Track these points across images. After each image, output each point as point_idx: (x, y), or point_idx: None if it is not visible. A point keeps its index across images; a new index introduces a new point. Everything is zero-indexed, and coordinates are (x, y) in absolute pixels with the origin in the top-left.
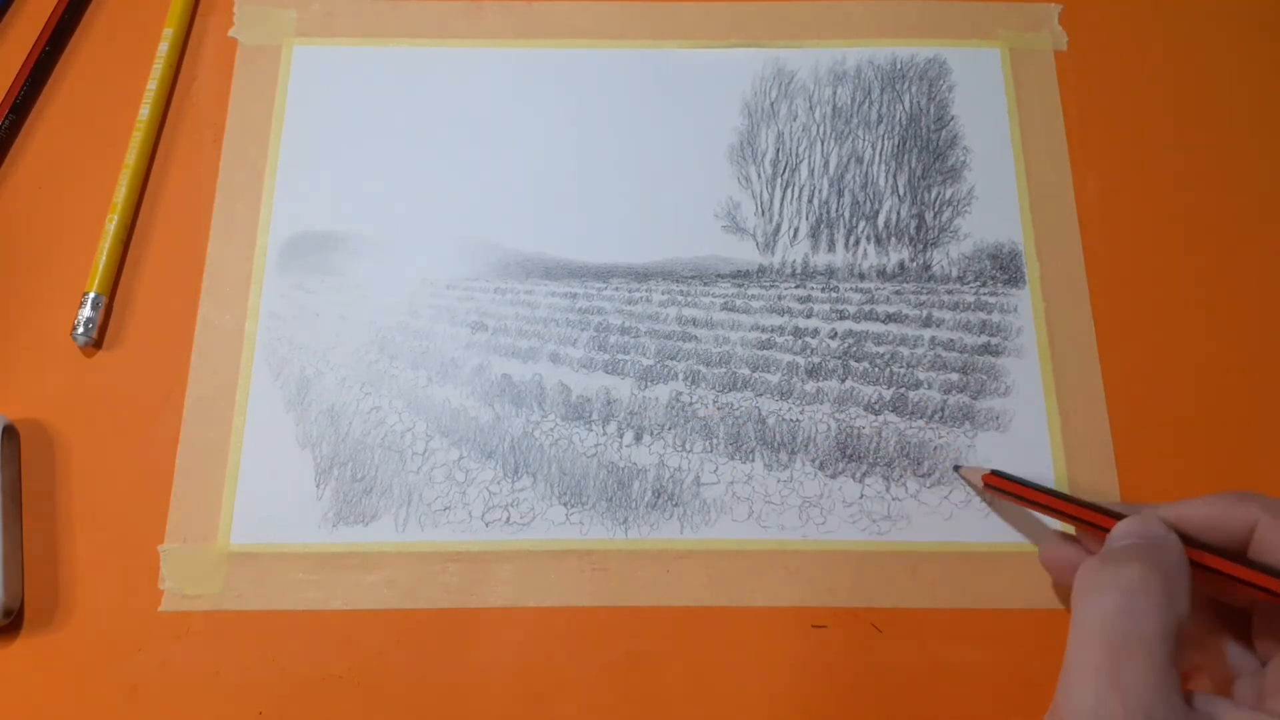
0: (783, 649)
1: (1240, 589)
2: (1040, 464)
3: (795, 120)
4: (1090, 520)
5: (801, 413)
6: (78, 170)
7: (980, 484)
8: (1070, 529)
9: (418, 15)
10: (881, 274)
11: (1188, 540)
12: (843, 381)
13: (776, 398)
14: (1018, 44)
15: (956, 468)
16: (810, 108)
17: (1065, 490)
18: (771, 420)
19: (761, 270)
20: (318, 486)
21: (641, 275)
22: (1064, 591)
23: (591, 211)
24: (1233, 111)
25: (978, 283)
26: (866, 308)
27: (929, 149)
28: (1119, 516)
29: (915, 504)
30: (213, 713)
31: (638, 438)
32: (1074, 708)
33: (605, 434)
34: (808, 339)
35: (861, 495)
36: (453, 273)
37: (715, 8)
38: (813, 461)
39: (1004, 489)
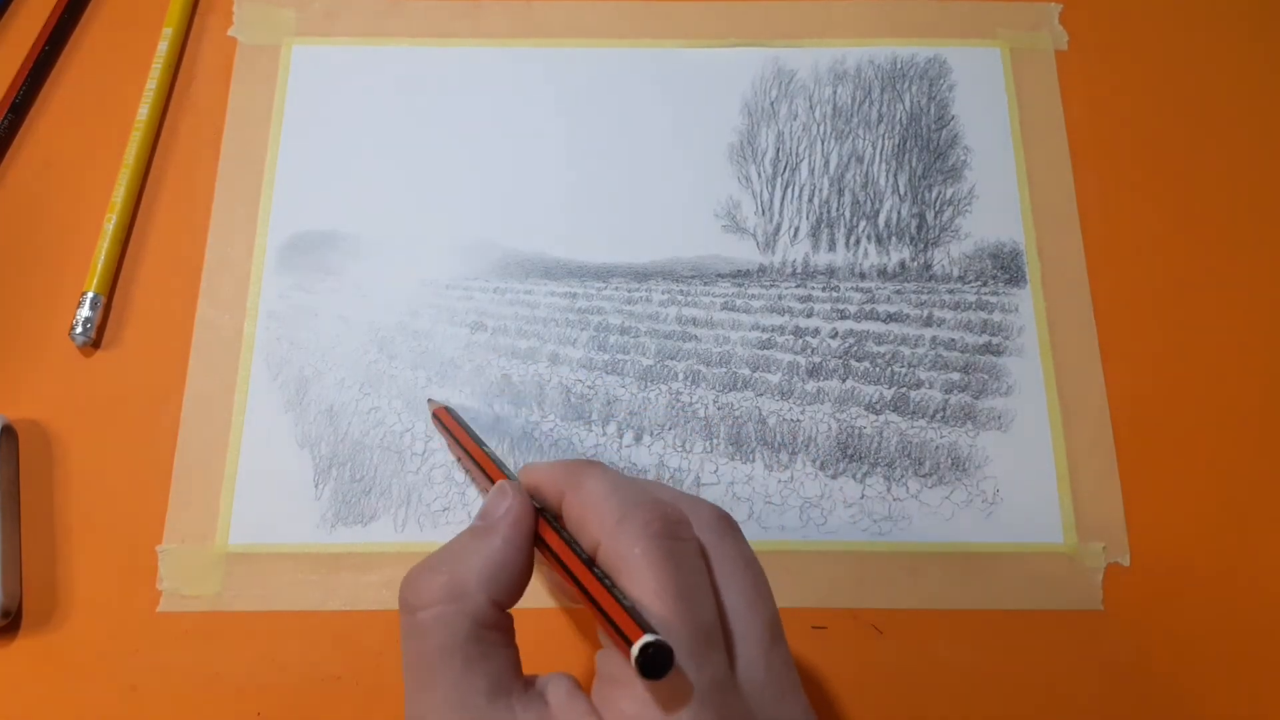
0: None
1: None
2: (1042, 463)
3: (795, 120)
4: (489, 474)
5: (802, 413)
6: (76, 170)
7: (431, 413)
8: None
9: (418, 15)
10: (882, 273)
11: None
12: (843, 381)
13: (777, 398)
14: (1018, 43)
15: (430, 400)
16: (810, 107)
17: (1065, 493)
18: (772, 420)
19: (762, 270)
20: (316, 487)
21: (641, 275)
22: (1063, 593)
23: (591, 211)
24: (1233, 110)
25: (979, 282)
26: (867, 307)
27: (929, 148)
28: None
29: (916, 504)
30: (211, 713)
31: (638, 438)
32: None
33: (605, 434)
34: (808, 339)
35: (862, 496)
36: (452, 272)
37: (715, 7)
38: (813, 462)
39: (447, 426)
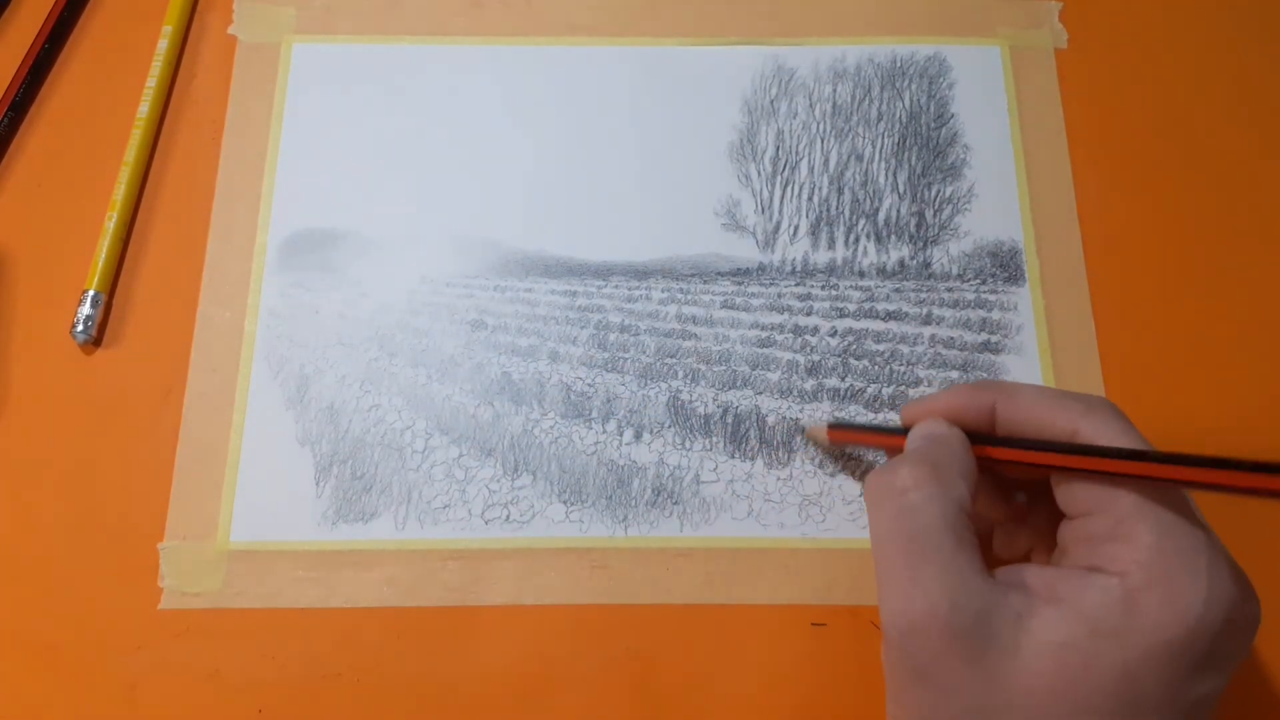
0: (782, 647)
1: (1011, 469)
2: None
3: (795, 118)
4: (900, 444)
5: (801, 411)
6: (77, 168)
7: (825, 439)
8: None
9: (417, 12)
10: (881, 272)
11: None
12: (843, 379)
13: (776, 396)
14: (1018, 42)
15: (802, 430)
16: (810, 105)
17: None
18: (771, 418)
19: (761, 268)
20: (317, 484)
21: (641, 273)
22: None
23: (591, 209)
24: (1233, 109)
25: (978, 280)
26: (866, 305)
27: (929, 147)
28: None
29: None
30: (212, 710)
31: (637, 435)
32: (886, 616)
33: (605, 432)
34: (808, 337)
35: (861, 493)
36: (452, 270)
37: (715, 5)
38: (812, 459)
39: (846, 430)
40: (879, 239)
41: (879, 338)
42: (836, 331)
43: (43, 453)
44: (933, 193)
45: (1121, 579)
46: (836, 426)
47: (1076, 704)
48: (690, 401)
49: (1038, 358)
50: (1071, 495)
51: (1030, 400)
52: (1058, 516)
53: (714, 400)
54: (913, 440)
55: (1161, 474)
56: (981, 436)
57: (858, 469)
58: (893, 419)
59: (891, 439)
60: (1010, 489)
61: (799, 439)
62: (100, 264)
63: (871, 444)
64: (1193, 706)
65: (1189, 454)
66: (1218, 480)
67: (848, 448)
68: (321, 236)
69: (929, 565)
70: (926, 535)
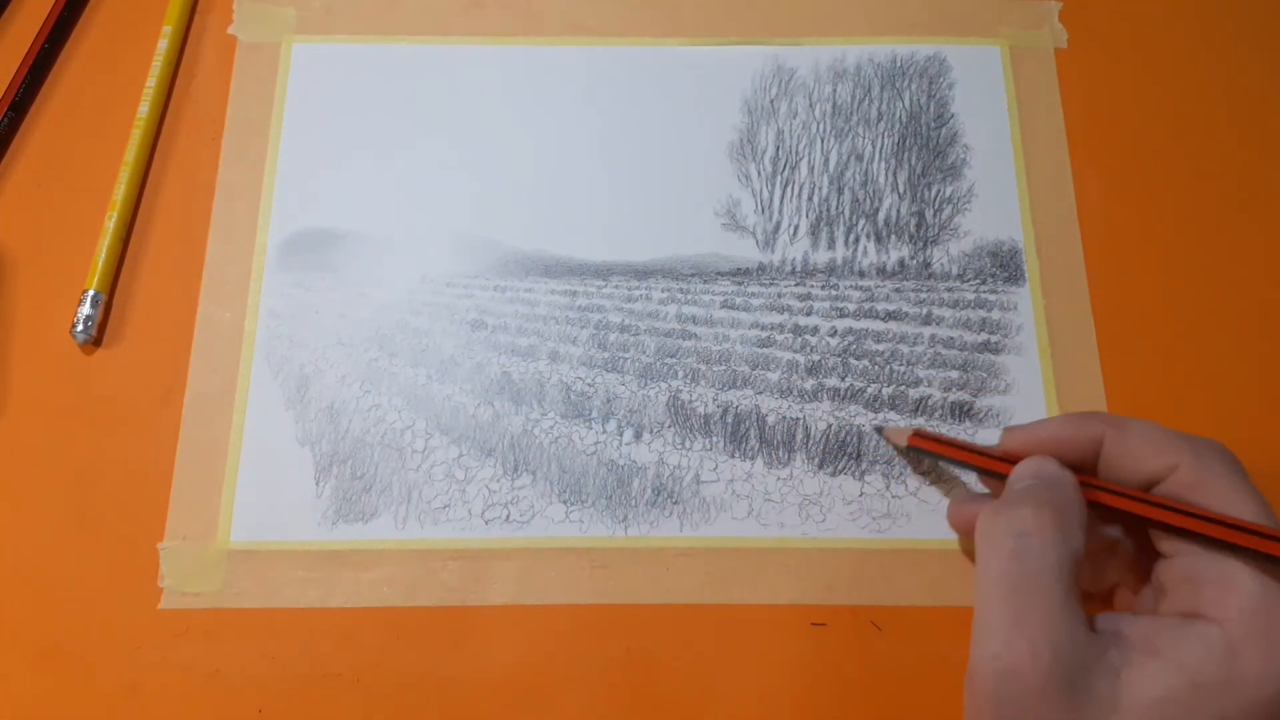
0: (782, 647)
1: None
2: None
3: (795, 118)
4: (995, 469)
5: (801, 410)
6: (77, 168)
7: (904, 444)
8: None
9: (417, 12)
10: (881, 272)
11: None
12: (842, 379)
13: (776, 395)
14: (1018, 41)
15: (879, 429)
16: (810, 105)
17: None
18: (771, 418)
19: (761, 268)
20: (317, 484)
21: (641, 273)
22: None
23: (591, 209)
24: (1233, 109)
25: (977, 280)
26: (866, 305)
27: (929, 146)
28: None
29: (915, 501)
30: (212, 710)
31: (637, 435)
32: (984, 659)
33: (605, 432)
34: (807, 337)
35: (861, 493)
36: (452, 270)
37: (715, 5)
38: (812, 459)
39: (930, 442)
40: (879, 239)
41: (879, 338)
42: (836, 331)
43: (43, 453)
44: (933, 193)
45: (1222, 627)
46: (921, 435)
47: None
48: (690, 401)
49: (1038, 358)
50: (1170, 537)
51: (1139, 435)
52: (1149, 551)
53: (714, 400)
54: (1022, 478)
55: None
56: (1087, 478)
57: (938, 478)
58: (893, 419)
59: (986, 460)
60: (1103, 521)
61: (870, 434)
62: (100, 264)
63: (960, 460)
64: None
65: None
66: None
67: (926, 457)
68: (321, 236)
69: (1036, 611)
70: (1038, 581)
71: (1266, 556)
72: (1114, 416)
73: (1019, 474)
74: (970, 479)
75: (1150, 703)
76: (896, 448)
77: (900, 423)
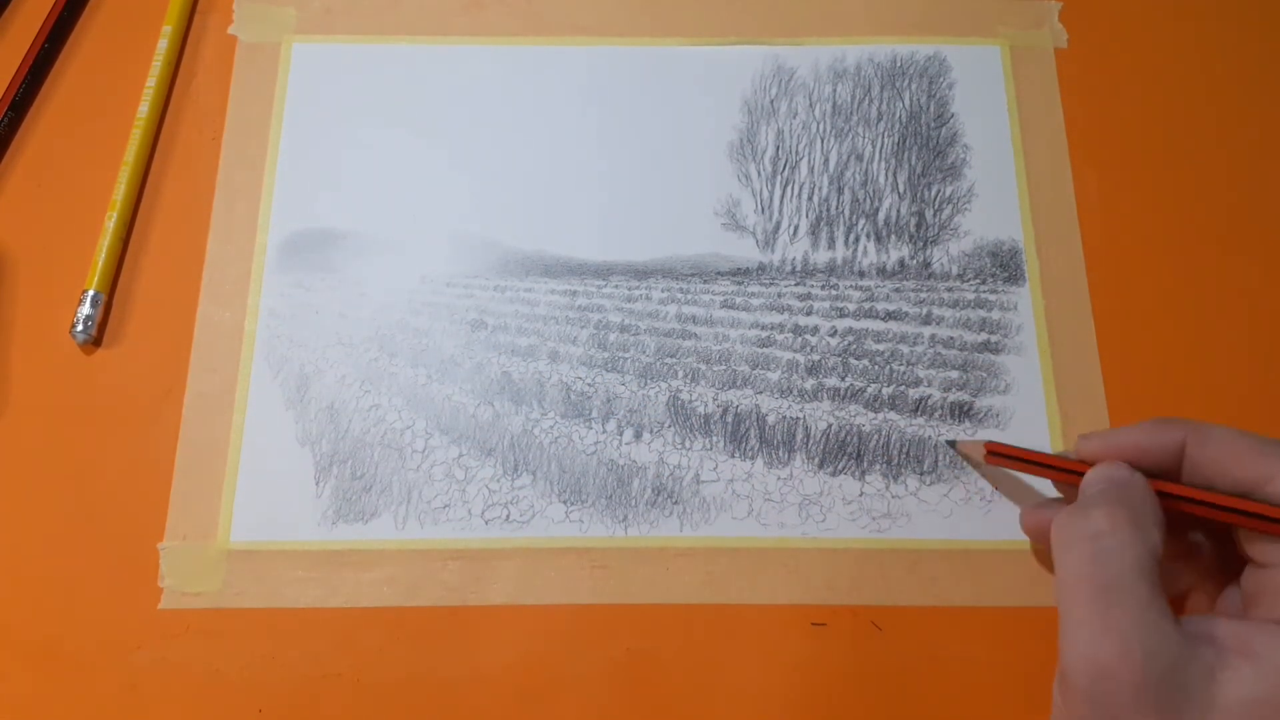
0: (782, 647)
1: (1205, 513)
2: None
3: (795, 118)
4: (1069, 479)
5: (801, 410)
6: (77, 167)
7: (981, 457)
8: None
9: (417, 12)
10: (881, 271)
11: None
12: (843, 379)
13: (776, 395)
14: (1018, 41)
15: (951, 443)
16: (810, 105)
17: None
18: (771, 418)
19: (761, 268)
20: (317, 484)
21: (641, 273)
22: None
23: (591, 209)
24: (1232, 108)
25: (977, 280)
26: (866, 305)
27: (929, 146)
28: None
29: (915, 501)
30: (213, 710)
31: (637, 435)
32: (1074, 661)
33: (605, 431)
34: (807, 336)
35: (861, 493)
36: (452, 270)
37: (715, 5)
38: (812, 459)
39: (1006, 456)
40: (879, 239)
41: (879, 337)
42: (836, 331)
43: (43, 453)
44: (933, 193)
45: None
46: (996, 452)
47: None
48: (690, 401)
49: (1038, 358)
50: (1264, 546)
51: (1224, 441)
52: (1229, 558)
53: (714, 400)
54: (1094, 483)
55: None
56: (1166, 484)
57: (1013, 488)
58: (893, 418)
59: (1061, 469)
60: (1184, 527)
61: (944, 447)
62: (100, 264)
63: (1036, 473)
64: None
65: None
66: None
67: (1002, 470)
68: (321, 236)
69: (1123, 611)
70: (1121, 581)
71: None
72: (1195, 422)
73: (1090, 479)
74: (1045, 486)
75: (1246, 704)
76: (970, 461)
77: (901, 423)
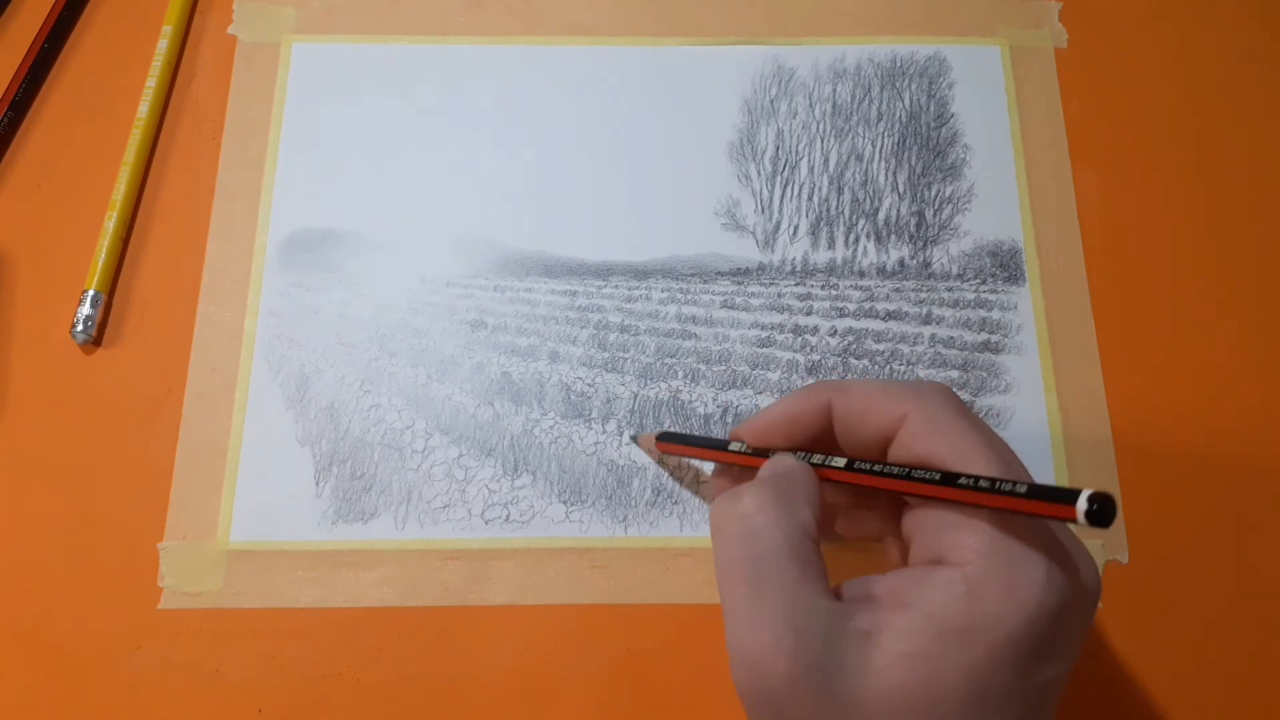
0: None
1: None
2: (1040, 461)
3: (795, 118)
4: (747, 464)
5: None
6: (77, 168)
7: (654, 448)
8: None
9: (417, 12)
10: (881, 271)
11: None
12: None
13: (776, 395)
14: (1018, 41)
15: (633, 438)
16: (810, 105)
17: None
18: None
19: (761, 268)
20: (317, 484)
21: (641, 273)
22: None
23: (591, 209)
24: (1233, 108)
25: (978, 280)
26: (866, 305)
27: (929, 146)
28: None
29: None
30: (212, 710)
31: (637, 435)
32: (733, 649)
33: (605, 432)
34: (807, 336)
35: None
36: (452, 270)
37: (715, 5)
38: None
39: (675, 450)
40: (879, 239)
41: (879, 337)
42: (836, 331)
43: (43, 453)
44: (933, 192)
45: (962, 570)
46: (666, 438)
47: (927, 712)
48: (690, 401)
49: (1038, 358)
50: None
51: (860, 393)
52: (899, 500)
53: (714, 400)
54: (766, 468)
55: (962, 498)
56: (829, 470)
57: (690, 478)
58: None
59: (723, 455)
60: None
61: (627, 439)
62: (100, 264)
63: (701, 458)
64: (1039, 691)
65: (987, 480)
66: (1002, 505)
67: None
68: (321, 236)
69: (771, 593)
70: (768, 561)
71: (962, 504)
72: (838, 381)
73: (760, 474)
74: None
75: (902, 658)
76: (652, 455)
77: None
